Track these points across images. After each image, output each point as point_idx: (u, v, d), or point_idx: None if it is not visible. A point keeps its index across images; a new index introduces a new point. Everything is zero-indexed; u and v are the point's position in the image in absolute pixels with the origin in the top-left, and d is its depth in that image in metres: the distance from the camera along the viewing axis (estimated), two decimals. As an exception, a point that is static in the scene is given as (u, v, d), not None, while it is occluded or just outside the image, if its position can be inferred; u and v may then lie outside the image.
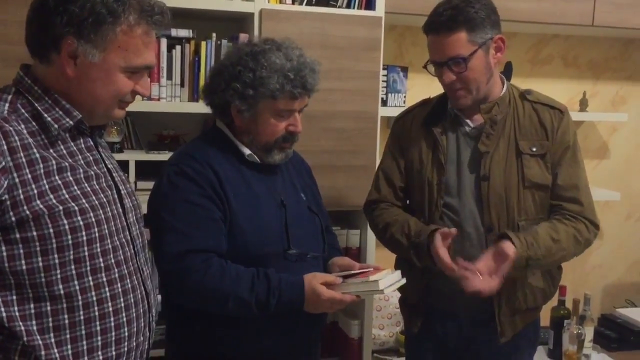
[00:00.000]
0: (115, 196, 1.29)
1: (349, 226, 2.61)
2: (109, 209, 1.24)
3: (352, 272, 1.64)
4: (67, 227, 1.15)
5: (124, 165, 2.30)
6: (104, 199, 1.23)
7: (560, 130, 1.82)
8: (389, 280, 1.56)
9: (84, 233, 1.17)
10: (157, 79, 2.32)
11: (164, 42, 2.29)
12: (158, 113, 2.42)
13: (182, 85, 2.35)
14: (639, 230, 3.40)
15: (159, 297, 1.67)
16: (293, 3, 2.38)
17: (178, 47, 2.32)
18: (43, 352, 1.15)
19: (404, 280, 1.65)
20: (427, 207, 1.86)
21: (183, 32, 2.32)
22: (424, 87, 2.92)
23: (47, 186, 1.14)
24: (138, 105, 2.32)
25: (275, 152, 1.66)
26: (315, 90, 1.68)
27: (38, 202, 1.12)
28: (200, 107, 2.35)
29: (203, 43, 2.33)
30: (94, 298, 1.19)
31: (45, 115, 1.19)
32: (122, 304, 1.24)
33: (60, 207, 1.14)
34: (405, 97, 2.76)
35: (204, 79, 2.33)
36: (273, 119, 1.62)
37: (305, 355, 1.75)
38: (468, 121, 1.85)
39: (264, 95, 1.58)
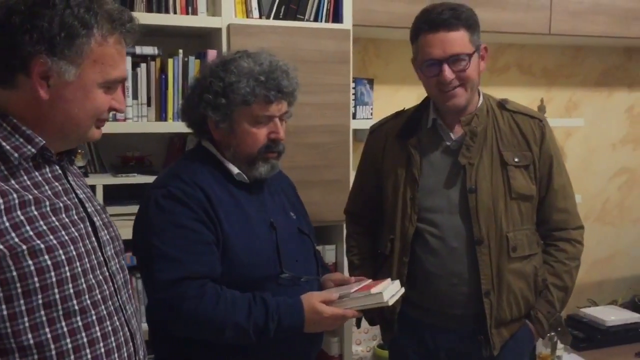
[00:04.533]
0: (89, 229, 1.15)
1: (325, 241, 2.57)
2: (81, 244, 1.11)
3: (351, 288, 1.59)
4: (32, 268, 1.02)
5: (90, 190, 2.19)
6: (76, 233, 1.11)
7: (543, 140, 1.83)
8: (391, 291, 1.54)
9: (53, 273, 1.04)
10: (122, 99, 2.22)
11: (128, 60, 2.20)
12: (120, 134, 2.32)
13: (148, 104, 2.26)
14: (596, 231, 3.50)
15: (144, 325, 1.58)
16: (260, 17, 2.33)
17: (143, 65, 2.24)
18: None
19: (403, 290, 1.62)
20: (399, 222, 1.84)
21: (148, 50, 2.23)
22: (388, 98, 2.95)
23: (7, 224, 1.01)
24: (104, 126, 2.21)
25: (260, 164, 1.58)
26: (294, 96, 1.62)
27: None
28: (168, 127, 2.28)
29: (170, 60, 2.25)
30: (70, 346, 1.07)
31: (4, 143, 1.06)
32: (103, 350, 1.11)
33: (24, 247, 1.02)
34: (372, 109, 2.76)
35: (172, 97, 2.26)
36: (252, 127, 1.55)
37: None
38: (450, 134, 1.83)
39: (236, 102, 1.53)
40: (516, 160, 1.80)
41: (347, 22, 2.43)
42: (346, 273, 2.54)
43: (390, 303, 1.52)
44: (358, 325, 2.01)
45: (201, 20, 2.27)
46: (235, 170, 1.59)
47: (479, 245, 1.76)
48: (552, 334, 2.76)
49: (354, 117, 2.67)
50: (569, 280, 1.87)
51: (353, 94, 2.65)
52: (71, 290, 1.07)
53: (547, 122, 1.89)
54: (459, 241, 1.78)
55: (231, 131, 1.56)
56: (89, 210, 1.18)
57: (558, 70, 3.35)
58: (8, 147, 1.07)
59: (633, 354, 3.00)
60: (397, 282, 1.63)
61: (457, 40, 1.71)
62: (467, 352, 1.83)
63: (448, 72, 1.71)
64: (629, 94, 3.52)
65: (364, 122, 2.67)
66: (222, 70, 1.56)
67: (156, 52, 2.25)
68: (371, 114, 2.75)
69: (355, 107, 2.69)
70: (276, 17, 2.35)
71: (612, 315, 3.17)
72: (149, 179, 2.18)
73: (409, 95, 2.86)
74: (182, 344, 1.53)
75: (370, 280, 1.65)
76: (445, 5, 1.74)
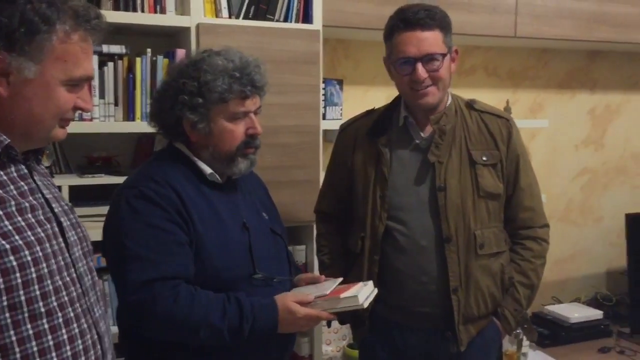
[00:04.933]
0: (56, 229, 1.12)
1: (295, 242, 2.56)
2: (48, 244, 1.08)
3: (325, 288, 1.59)
4: None
5: (58, 190, 2.15)
6: (42, 234, 1.08)
7: (510, 139, 1.87)
8: (365, 293, 1.54)
9: (18, 274, 1.02)
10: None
11: (94, 59, 2.16)
12: (86, 134, 2.28)
13: (116, 104, 2.22)
14: (559, 230, 3.57)
15: (115, 328, 1.56)
16: (230, 17, 2.32)
17: (110, 64, 2.20)
18: None
19: (376, 290, 1.63)
20: (370, 221, 1.85)
21: (115, 48, 2.20)
22: (357, 99, 2.96)
23: None
24: (69, 125, 2.16)
25: (240, 160, 1.59)
26: (265, 90, 1.63)
27: None
28: (136, 127, 2.25)
29: (137, 59, 2.22)
30: (35, 349, 1.04)
31: None
32: (70, 352, 1.09)
33: None
34: (342, 110, 2.77)
35: (140, 97, 2.23)
36: (229, 124, 1.56)
37: None
38: (420, 133, 1.86)
39: (213, 100, 1.52)
40: (484, 159, 1.83)
41: (317, 23, 2.43)
42: (316, 273, 2.55)
43: (366, 305, 1.53)
44: (328, 325, 2.02)
45: (170, 19, 2.25)
46: (208, 170, 1.58)
47: (448, 243, 1.79)
48: (519, 331, 2.81)
49: (324, 117, 2.67)
50: (535, 278, 1.91)
51: (323, 95, 2.65)
52: (37, 292, 1.05)
53: (514, 122, 1.93)
54: (428, 239, 1.80)
55: (209, 130, 1.55)
56: (56, 210, 1.16)
57: (523, 72, 3.41)
58: None
59: (596, 349, 3.08)
60: (371, 283, 1.63)
61: (432, 39, 1.74)
62: (436, 350, 1.86)
63: (421, 71, 1.74)
64: (591, 96, 3.61)
65: (333, 122, 2.68)
66: (194, 70, 1.54)
67: (123, 50, 2.22)
68: (341, 114, 2.76)
69: (325, 107, 2.69)
70: (246, 17, 2.34)
71: (576, 313, 3.24)
72: (117, 179, 2.15)
73: (378, 96, 2.88)
74: (153, 345, 1.51)
75: (340, 279, 1.65)
76: (421, 6, 1.77)
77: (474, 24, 2.81)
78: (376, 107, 2.01)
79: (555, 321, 3.22)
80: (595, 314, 3.27)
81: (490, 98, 3.28)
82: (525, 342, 2.95)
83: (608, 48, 3.45)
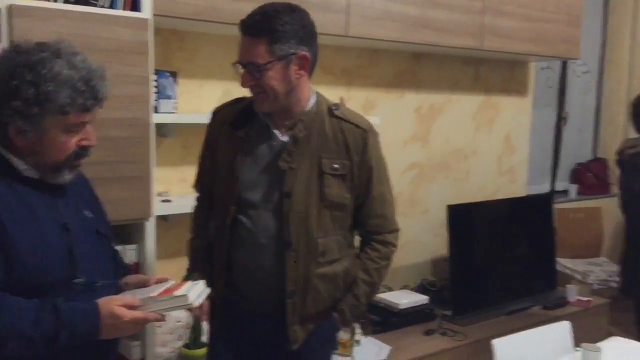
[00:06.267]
0: None
1: (125, 241, 2.43)
2: None
3: (153, 290, 1.53)
4: None
5: None
6: None
7: (364, 150, 1.86)
8: (195, 292, 1.51)
9: None
10: None
11: None
12: None
13: None
14: (390, 222, 3.77)
15: None
16: None
17: None
18: None
19: (209, 290, 1.61)
20: (222, 211, 1.86)
21: None
22: (193, 93, 2.89)
23: None
24: None
25: (66, 171, 1.49)
26: (105, 100, 1.53)
27: None
28: None
29: None
30: None
31: None
32: None
33: None
34: (176, 103, 2.68)
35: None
36: (63, 136, 1.45)
37: None
38: (278, 134, 1.84)
39: (51, 111, 1.40)
40: (335, 166, 1.84)
41: (146, 11, 2.31)
42: (148, 273, 2.45)
43: (196, 304, 1.50)
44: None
45: (-25, -2, 2.01)
46: (22, 166, 1.45)
47: (287, 248, 1.80)
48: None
49: (156, 110, 2.57)
50: (377, 277, 1.96)
51: (155, 87, 2.55)
52: None
53: (374, 132, 1.92)
54: (268, 239, 1.82)
55: (37, 140, 1.43)
56: None
57: (356, 70, 3.55)
58: None
59: (422, 332, 3.31)
60: (202, 283, 1.60)
61: (253, 48, 1.72)
62: (274, 343, 1.88)
63: (243, 78, 1.76)
64: (417, 95, 3.85)
65: (167, 116, 2.60)
66: (31, 73, 1.39)
67: None
68: (175, 108, 2.67)
69: (157, 100, 2.59)
70: (66, 1, 2.16)
71: (404, 299, 3.44)
72: None
73: (215, 89, 2.83)
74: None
75: (172, 282, 1.60)
76: (262, 9, 1.74)
77: (308, 21, 2.85)
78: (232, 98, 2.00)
79: (387, 308, 3.40)
80: (422, 299, 3.50)
81: (326, 95, 3.34)
82: (358, 330, 3.08)
83: (431, 51, 3.69)
